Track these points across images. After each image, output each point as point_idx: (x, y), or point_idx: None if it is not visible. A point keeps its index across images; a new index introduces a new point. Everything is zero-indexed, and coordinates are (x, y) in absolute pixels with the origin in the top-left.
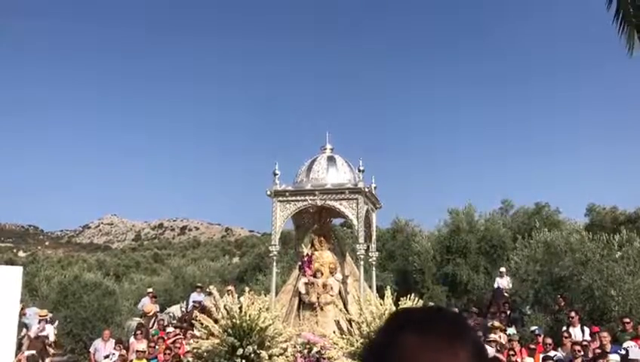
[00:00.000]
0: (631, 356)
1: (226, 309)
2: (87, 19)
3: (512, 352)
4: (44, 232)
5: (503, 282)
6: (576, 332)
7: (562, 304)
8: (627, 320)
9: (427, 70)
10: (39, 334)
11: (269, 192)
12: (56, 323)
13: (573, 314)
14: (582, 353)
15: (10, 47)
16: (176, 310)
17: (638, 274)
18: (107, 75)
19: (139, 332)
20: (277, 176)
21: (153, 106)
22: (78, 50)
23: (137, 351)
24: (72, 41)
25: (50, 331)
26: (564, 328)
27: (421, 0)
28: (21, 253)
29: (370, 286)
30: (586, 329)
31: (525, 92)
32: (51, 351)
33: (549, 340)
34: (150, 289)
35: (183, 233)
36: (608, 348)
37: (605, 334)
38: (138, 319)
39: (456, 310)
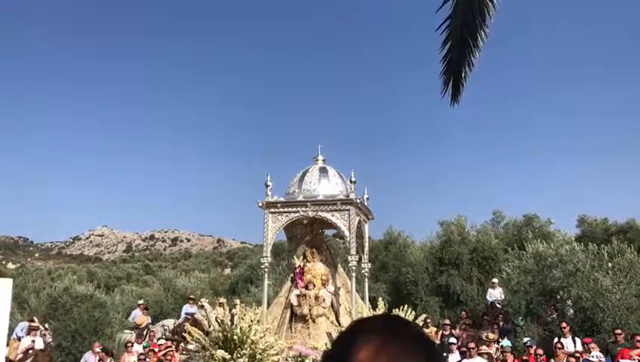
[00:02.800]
0: None
1: (217, 321)
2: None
3: None
4: (34, 244)
5: (496, 293)
6: (568, 343)
7: (554, 315)
8: (619, 331)
9: (420, 80)
10: (31, 347)
11: (260, 204)
12: (47, 334)
13: (564, 324)
14: None
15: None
16: (170, 323)
17: (627, 285)
18: (101, 84)
19: (129, 344)
20: (269, 188)
21: (145, 117)
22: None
23: None
24: (59, 49)
25: (39, 343)
26: (556, 339)
27: (419, 13)
28: (10, 265)
29: (363, 298)
30: (578, 340)
31: (519, 103)
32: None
33: (540, 351)
34: (141, 302)
35: (175, 244)
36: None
37: (594, 345)
38: (129, 331)
39: (448, 321)
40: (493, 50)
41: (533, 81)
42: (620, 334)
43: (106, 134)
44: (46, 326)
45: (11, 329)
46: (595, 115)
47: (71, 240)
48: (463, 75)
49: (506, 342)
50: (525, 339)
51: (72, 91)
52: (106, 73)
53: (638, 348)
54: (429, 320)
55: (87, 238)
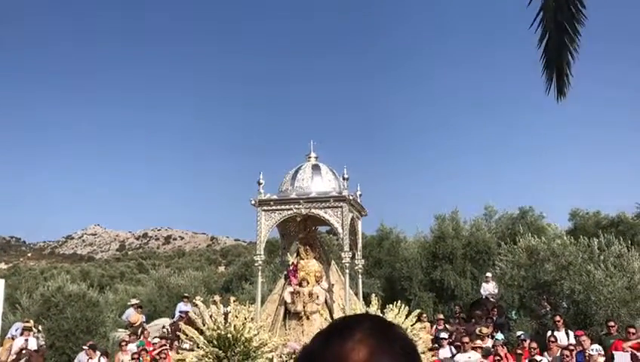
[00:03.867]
0: (616, 360)
1: (211, 320)
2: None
3: (497, 357)
4: (27, 244)
5: (489, 287)
6: (561, 336)
7: (547, 308)
8: (612, 323)
9: (410, 73)
10: (24, 348)
11: (253, 201)
12: (40, 336)
13: (557, 318)
14: (570, 357)
15: None
16: (166, 322)
17: (618, 278)
18: (93, 83)
19: (124, 343)
20: (261, 186)
21: (137, 116)
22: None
23: None
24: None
25: (32, 344)
26: (550, 332)
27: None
28: (2, 265)
29: (357, 294)
30: (571, 333)
31: (508, 96)
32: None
33: (534, 344)
34: (134, 301)
35: (168, 242)
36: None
37: (585, 338)
38: (123, 330)
39: (442, 316)
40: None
41: (523, 74)
42: (612, 326)
43: (98, 133)
44: (39, 327)
45: (4, 330)
46: (588, 107)
47: (64, 240)
48: (566, 65)
49: (499, 336)
50: (519, 333)
51: (64, 89)
52: (99, 72)
53: (630, 339)
54: (424, 315)
55: (80, 237)
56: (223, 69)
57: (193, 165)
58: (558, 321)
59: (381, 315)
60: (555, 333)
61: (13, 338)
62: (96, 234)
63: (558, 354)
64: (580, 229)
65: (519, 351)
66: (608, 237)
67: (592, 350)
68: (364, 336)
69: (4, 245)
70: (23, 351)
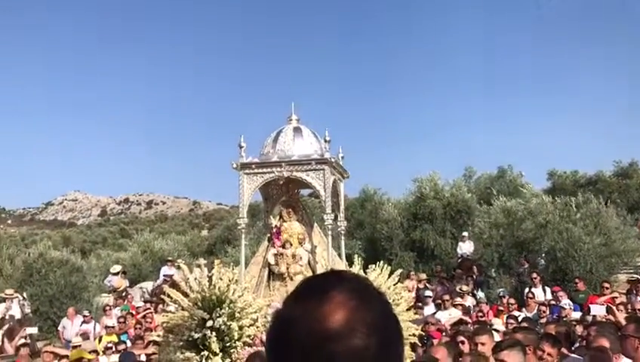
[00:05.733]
0: (592, 312)
1: (195, 282)
2: None
3: (480, 314)
4: (6, 210)
5: (465, 246)
6: (539, 293)
7: (525, 266)
8: (577, 280)
9: (391, 36)
10: (6, 315)
11: (234, 165)
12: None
13: (535, 275)
14: (547, 312)
15: None
16: (149, 285)
17: (595, 234)
18: (79, 46)
19: (108, 307)
20: (243, 149)
21: (118, 78)
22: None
23: (107, 327)
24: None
25: (16, 310)
26: (527, 289)
27: None
28: None
29: (340, 255)
30: (548, 290)
31: (489, 56)
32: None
33: (512, 301)
34: (117, 268)
35: (150, 207)
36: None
37: (562, 293)
38: (107, 295)
39: (424, 275)
40: None
41: (497, 46)
42: (579, 282)
43: (77, 97)
44: (24, 295)
45: None
46: (568, 69)
47: (44, 206)
48: None
49: (480, 294)
50: (499, 290)
51: (45, 46)
52: (80, 29)
53: (604, 294)
54: (412, 273)
55: (61, 203)
56: (200, 29)
57: (173, 129)
58: (535, 278)
59: (355, 272)
60: (533, 290)
61: None
62: (76, 200)
63: (536, 310)
64: (558, 189)
65: (500, 308)
66: (586, 196)
67: (565, 304)
68: (342, 298)
69: None
70: (5, 318)
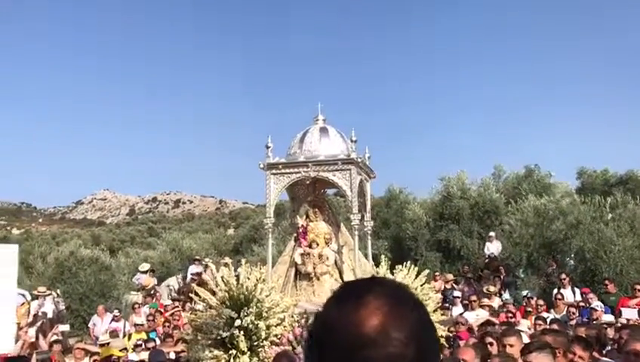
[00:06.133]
0: (624, 316)
1: (223, 281)
2: None
3: (510, 315)
4: (37, 209)
5: (493, 247)
6: (568, 294)
7: (554, 266)
8: (607, 281)
9: (420, 36)
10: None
11: (262, 165)
12: (60, 302)
13: (564, 276)
14: (577, 314)
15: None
16: (173, 281)
17: (629, 236)
18: (103, 50)
19: (137, 305)
20: (270, 149)
21: (147, 82)
22: (76, 17)
23: (136, 324)
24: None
25: (49, 307)
26: (556, 290)
27: None
28: (15, 231)
29: (366, 255)
30: (577, 291)
31: (517, 56)
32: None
33: (541, 302)
34: (146, 266)
35: (177, 206)
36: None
37: (592, 295)
38: (135, 293)
39: (451, 276)
40: None
41: (523, 44)
42: (608, 284)
43: (106, 98)
44: (58, 291)
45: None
46: (597, 66)
47: (74, 205)
48: None
49: (506, 295)
50: (525, 292)
51: (74, 51)
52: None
53: (636, 297)
54: (437, 274)
55: (90, 202)
56: (225, 33)
57: (202, 129)
58: (564, 279)
59: (392, 278)
60: (562, 291)
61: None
62: (105, 199)
63: (565, 312)
64: (587, 188)
65: (528, 309)
66: (618, 196)
67: (597, 306)
68: (378, 304)
69: (16, 211)
70: (39, 315)
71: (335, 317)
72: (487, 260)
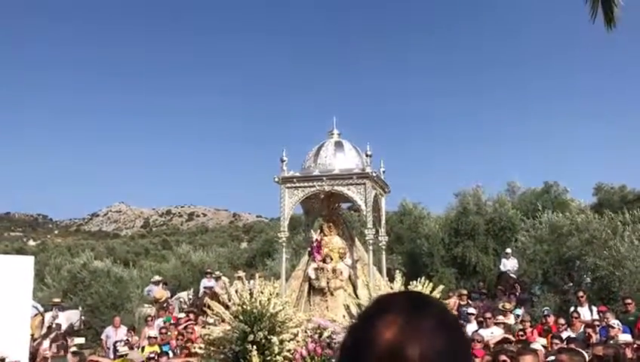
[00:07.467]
0: None
1: (236, 295)
2: None
3: (521, 333)
4: (53, 221)
5: (509, 263)
6: (585, 312)
7: (570, 284)
8: (629, 301)
9: (430, 54)
10: (53, 323)
11: (276, 179)
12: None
13: (580, 293)
14: (593, 333)
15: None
16: (185, 296)
17: None
18: (112, 60)
19: (150, 318)
20: (284, 163)
21: (159, 93)
22: (82, 30)
23: (149, 337)
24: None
25: (61, 320)
26: (573, 308)
27: None
28: (31, 242)
29: (380, 271)
30: (594, 309)
31: (532, 70)
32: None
33: (562, 321)
34: (157, 278)
35: (191, 219)
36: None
37: (609, 314)
38: (149, 305)
39: (465, 291)
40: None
41: (536, 59)
42: (630, 303)
43: (124, 113)
44: (80, 306)
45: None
46: (614, 79)
47: (89, 217)
48: None
49: (517, 311)
50: (544, 309)
51: (86, 67)
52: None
53: None
54: (451, 294)
55: (105, 215)
56: (235, 48)
57: (216, 142)
58: (581, 297)
59: (420, 291)
60: (578, 309)
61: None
62: (120, 212)
63: (581, 330)
64: (604, 204)
65: (546, 327)
66: (635, 213)
67: (614, 324)
68: (394, 316)
69: (32, 222)
70: (52, 326)
71: (360, 331)
72: (502, 276)
